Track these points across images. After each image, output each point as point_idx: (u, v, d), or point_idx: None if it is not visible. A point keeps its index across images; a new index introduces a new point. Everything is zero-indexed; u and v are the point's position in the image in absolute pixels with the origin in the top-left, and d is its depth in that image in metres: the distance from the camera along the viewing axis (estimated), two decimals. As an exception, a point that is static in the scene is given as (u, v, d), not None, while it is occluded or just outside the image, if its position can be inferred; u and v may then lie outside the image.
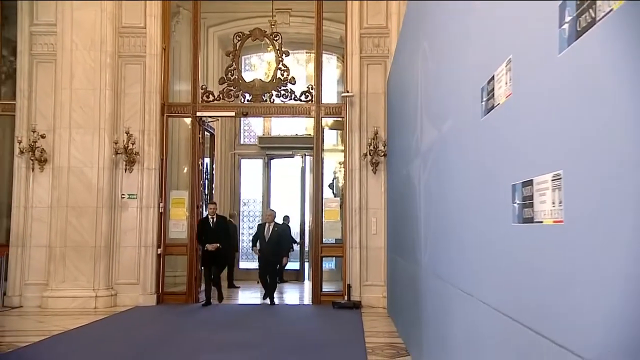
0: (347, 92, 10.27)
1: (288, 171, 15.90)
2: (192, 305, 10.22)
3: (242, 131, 16.15)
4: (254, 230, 12.41)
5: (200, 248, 10.50)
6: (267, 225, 10.83)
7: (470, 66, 3.26)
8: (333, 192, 11.57)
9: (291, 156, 15.74)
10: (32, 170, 10.14)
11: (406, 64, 6.93)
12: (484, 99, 2.78)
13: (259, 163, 15.92)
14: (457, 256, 3.46)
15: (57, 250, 9.84)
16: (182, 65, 11.72)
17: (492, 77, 2.62)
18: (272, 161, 15.89)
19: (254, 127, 16.19)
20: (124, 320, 8.78)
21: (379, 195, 10.17)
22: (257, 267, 11.50)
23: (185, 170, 11.44)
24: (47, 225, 10.09)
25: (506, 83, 2.40)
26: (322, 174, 10.91)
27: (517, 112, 2.28)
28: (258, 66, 13.09)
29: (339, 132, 13.05)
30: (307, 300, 11.58)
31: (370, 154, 10.08)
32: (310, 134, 15.42)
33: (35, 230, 10.13)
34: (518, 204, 2.20)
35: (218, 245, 10.27)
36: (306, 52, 15.33)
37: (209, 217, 10.48)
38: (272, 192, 15.64)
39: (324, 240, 10.66)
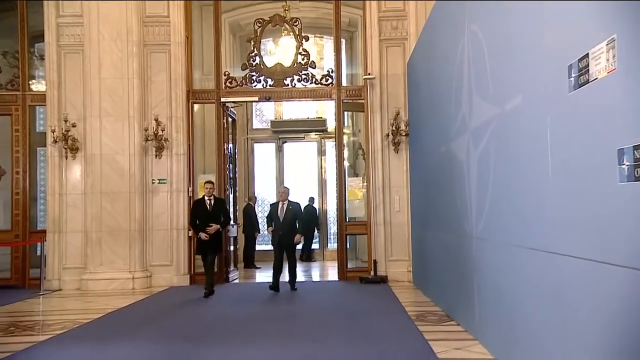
0: (369, 74, 10.61)
1: (301, 154, 16.27)
2: (224, 285, 10.60)
3: (254, 116, 16.46)
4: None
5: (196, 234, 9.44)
6: (280, 204, 9.95)
7: (547, 48, 3.63)
8: (355, 172, 11.91)
9: (303, 139, 16.13)
10: (66, 159, 10.41)
11: (441, 46, 7.28)
12: (574, 75, 3.15)
13: (271, 147, 16.28)
14: (538, 221, 3.82)
15: (93, 234, 10.17)
16: (195, 51, 11.94)
17: (586, 55, 2.98)
18: (285, 145, 16.24)
19: (265, 112, 16.49)
20: (167, 298, 9.16)
21: (402, 173, 10.56)
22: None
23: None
24: (81, 211, 10.42)
25: (607, 60, 2.77)
26: (344, 155, 11.26)
27: (623, 85, 2.65)
28: (274, 51, 13.36)
29: (349, 113, 13.42)
30: (330, 277, 11.99)
31: (392, 134, 10.43)
32: (321, 117, 15.87)
33: (71, 217, 10.45)
34: (628, 165, 2.58)
35: (218, 227, 9.24)
36: (315, 36, 15.66)
37: (205, 198, 9.33)
38: (285, 175, 16.01)
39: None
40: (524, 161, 4.07)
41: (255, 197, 14.36)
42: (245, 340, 6.11)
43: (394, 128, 10.42)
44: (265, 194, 16.45)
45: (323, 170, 16.01)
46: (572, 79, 3.18)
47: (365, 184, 11.13)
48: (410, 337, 6.04)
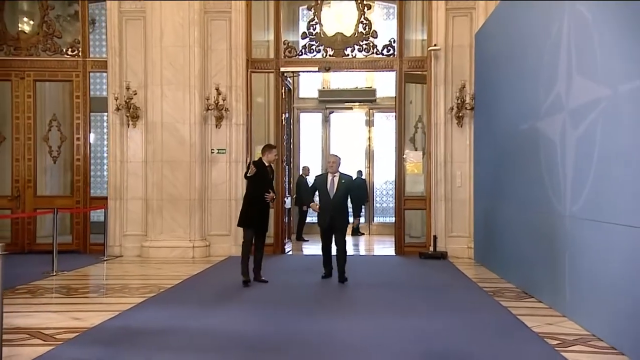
0: (434, 45, 10.35)
1: (348, 124, 16.09)
2: (281, 256, 10.65)
3: (300, 85, 16.24)
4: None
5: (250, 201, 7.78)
6: (329, 176, 8.06)
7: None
8: (414, 146, 11.72)
9: (351, 109, 15.95)
10: (127, 126, 10.42)
11: (527, 22, 7.04)
12: None
13: (318, 117, 16.12)
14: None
15: (154, 202, 10.22)
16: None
17: None
18: (332, 115, 16.08)
19: (312, 81, 16.22)
20: (231, 267, 9.14)
21: (464, 148, 10.37)
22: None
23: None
24: (141, 178, 10.47)
25: None
26: (404, 127, 11.08)
27: None
28: (328, 19, 13.07)
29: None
30: (382, 251, 11.89)
31: (457, 108, 10.22)
32: (371, 86, 15.63)
33: (131, 184, 10.51)
34: None
35: (274, 196, 7.96)
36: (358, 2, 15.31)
37: (265, 162, 7.81)
38: (331, 146, 15.84)
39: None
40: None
41: (309, 169, 14.20)
42: (334, 310, 6.29)
43: (458, 101, 10.19)
44: (310, 165, 16.39)
45: (371, 142, 15.83)
46: None
47: (425, 157, 10.95)
48: (497, 311, 6.09)
